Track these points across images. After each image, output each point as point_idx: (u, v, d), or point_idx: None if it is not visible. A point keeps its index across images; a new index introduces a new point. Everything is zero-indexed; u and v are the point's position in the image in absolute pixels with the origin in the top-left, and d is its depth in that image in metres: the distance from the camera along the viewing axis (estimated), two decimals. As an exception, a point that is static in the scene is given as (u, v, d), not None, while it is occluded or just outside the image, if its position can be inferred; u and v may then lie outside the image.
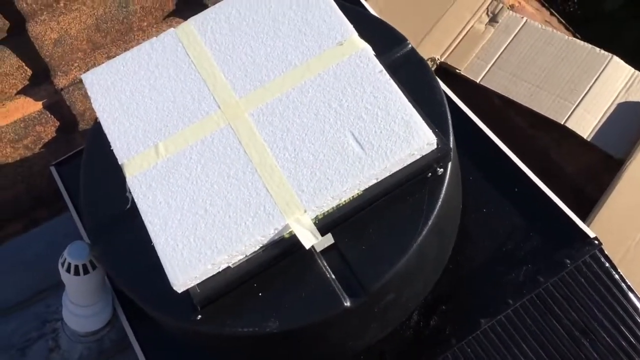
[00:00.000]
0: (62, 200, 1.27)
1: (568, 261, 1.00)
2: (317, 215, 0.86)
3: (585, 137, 1.20)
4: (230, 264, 0.85)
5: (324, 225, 0.86)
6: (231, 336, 0.85)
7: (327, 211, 0.86)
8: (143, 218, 0.88)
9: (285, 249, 0.86)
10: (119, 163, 0.94)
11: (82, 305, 1.09)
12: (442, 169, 0.90)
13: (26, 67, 1.58)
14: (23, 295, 1.25)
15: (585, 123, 1.21)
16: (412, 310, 1.00)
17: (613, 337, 0.96)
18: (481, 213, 1.08)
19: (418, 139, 0.87)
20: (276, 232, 0.84)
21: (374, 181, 0.87)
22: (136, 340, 1.07)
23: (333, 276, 0.87)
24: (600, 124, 1.20)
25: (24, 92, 1.54)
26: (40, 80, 1.57)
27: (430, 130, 0.88)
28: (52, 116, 1.52)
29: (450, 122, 0.95)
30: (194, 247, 0.84)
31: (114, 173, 0.95)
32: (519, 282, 1.01)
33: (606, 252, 1.00)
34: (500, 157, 1.12)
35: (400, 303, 0.94)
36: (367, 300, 0.85)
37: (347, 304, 0.85)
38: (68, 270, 1.01)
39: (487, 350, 0.98)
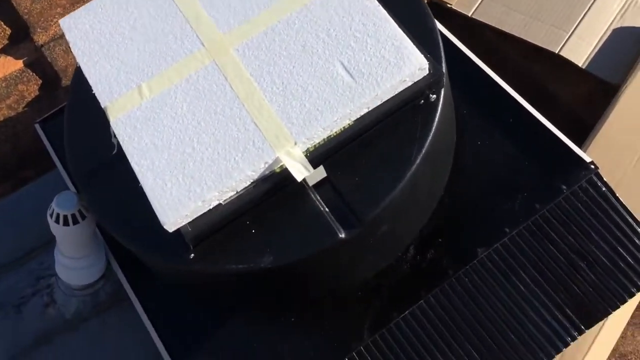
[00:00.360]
0: (49, 158, 1.25)
1: (564, 187, 0.99)
2: (308, 148, 0.84)
3: (580, 64, 1.18)
4: (221, 201, 0.83)
5: (315, 157, 0.84)
6: (226, 274, 0.85)
7: (318, 143, 0.85)
8: (129, 160, 0.86)
9: (276, 183, 0.84)
10: (102, 107, 0.91)
11: (73, 257, 1.08)
12: (434, 95, 0.87)
13: (5, 26, 1.53)
14: (15, 254, 1.24)
15: (580, 50, 1.18)
16: (408, 243, 0.99)
17: (610, 258, 0.96)
18: (476, 145, 1.06)
19: (410, 65, 0.84)
20: (267, 166, 0.82)
21: (365, 110, 0.85)
22: (132, 290, 1.07)
23: (327, 209, 0.85)
24: (595, 50, 1.18)
25: (3, 51, 1.50)
26: (19, 38, 1.53)
27: (422, 55, 0.85)
28: (34, 74, 1.48)
29: (442, 47, 0.92)
30: (183, 185, 0.82)
31: (99, 120, 0.92)
32: (515, 211, 1.00)
33: (603, 177, 0.99)
34: (493, 88, 1.10)
35: (395, 235, 0.93)
36: (361, 231, 0.84)
37: (342, 235, 0.84)
38: (57, 221, 1.00)
39: (484, 279, 0.98)
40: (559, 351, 0.94)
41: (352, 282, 0.98)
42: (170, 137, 0.85)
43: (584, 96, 1.19)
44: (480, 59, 1.11)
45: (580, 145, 1.05)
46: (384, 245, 0.93)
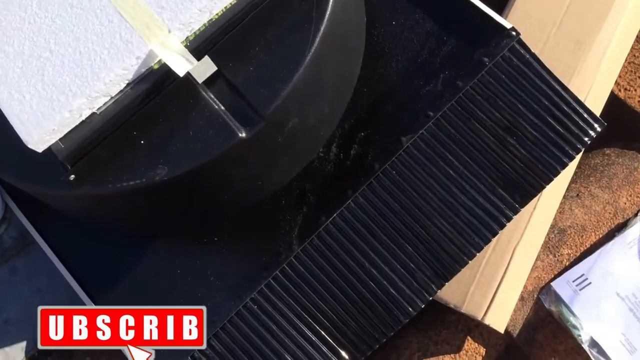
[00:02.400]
0: None
1: (486, 59, 0.91)
2: (187, 37, 0.73)
3: None
4: (94, 110, 0.71)
5: (197, 46, 0.73)
6: (116, 194, 0.74)
7: (199, 29, 0.73)
8: (-21, 77, 0.73)
9: (157, 82, 0.72)
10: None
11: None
12: (327, -37, 0.76)
13: None
14: None
15: None
16: (326, 140, 0.90)
17: (540, 130, 0.90)
18: (391, 26, 0.96)
19: None
20: (140, 62, 0.70)
21: (247, -16, 0.73)
22: (36, 231, 0.95)
23: (222, 107, 0.75)
24: None
25: None
26: None
27: None
28: None
29: None
30: (43, 95, 0.70)
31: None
32: (438, 92, 0.92)
33: (525, 43, 0.91)
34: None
35: (307, 130, 0.84)
36: (264, 127, 0.75)
37: (243, 134, 0.74)
38: None
39: (411, 167, 0.91)
40: (495, 234, 0.88)
41: (270, 190, 0.89)
42: (23, 41, 0.72)
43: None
44: None
45: (500, 13, 0.97)
46: (297, 143, 0.84)
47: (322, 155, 0.95)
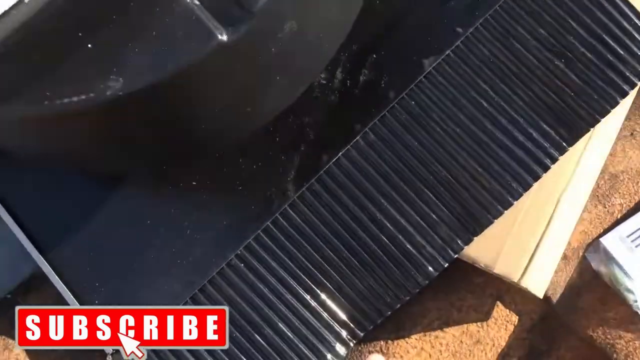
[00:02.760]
0: None
1: (531, -39, 0.74)
2: None
3: None
4: (24, -2, 0.54)
5: None
6: (53, 115, 0.57)
7: None
8: None
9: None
10: None
11: None
12: None
13: None
14: None
15: None
16: (328, 59, 0.73)
17: (595, 50, 0.73)
18: None
19: None
20: None
21: None
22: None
23: (196, 0, 0.57)
24: None
25: None
26: None
27: None
28: None
29: None
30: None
31: None
32: (468, 3, 0.74)
33: (580, -58, 0.74)
34: None
35: (307, 39, 0.67)
36: (252, 28, 0.57)
37: (223, 36, 0.56)
38: None
39: (434, 98, 0.74)
40: (537, 178, 0.72)
41: (260, 120, 0.72)
42: None
43: None
44: None
45: None
46: (294, 56, 0.66)
47: (323, 82, 0.77)
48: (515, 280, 0.73)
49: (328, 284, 0.74)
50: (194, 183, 0.77)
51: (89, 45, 0.56)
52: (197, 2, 0.57)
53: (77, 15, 0.56)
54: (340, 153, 0.74)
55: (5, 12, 0.53)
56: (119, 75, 0.56)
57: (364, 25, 0.76)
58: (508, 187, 0.73)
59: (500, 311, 0.76)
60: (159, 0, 0.57)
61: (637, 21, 0.74)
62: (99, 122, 0.60)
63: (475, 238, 0.73)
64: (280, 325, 0.74)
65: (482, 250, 0.74)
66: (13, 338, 0.79)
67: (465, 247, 0.73)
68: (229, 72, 0.60)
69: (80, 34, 0.57)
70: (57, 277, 0.75)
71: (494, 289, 0.77)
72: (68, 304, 0.77)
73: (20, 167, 0.77)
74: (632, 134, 0.80)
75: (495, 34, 0.75)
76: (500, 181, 0.73)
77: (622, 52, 0.73)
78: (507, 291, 0.77)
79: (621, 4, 0.74)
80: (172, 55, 0.56)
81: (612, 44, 0.74)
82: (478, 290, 0.77)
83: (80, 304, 0.75)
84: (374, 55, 0.76)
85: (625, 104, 0.79)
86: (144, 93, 0.57)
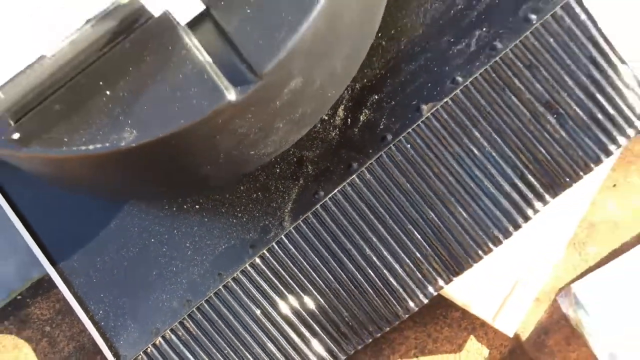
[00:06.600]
0: None
1: (533, 17, 0.75)
2: (167, -37, 0.57)
3: None
4: (45, 53, 0.56)
5: (180, -23, 0.57)
6: (71, 159, 0.60)
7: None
8: None
9: (126, 19, 0.57)
10: None
11: None
12: None
13: None
14: None
15: None
16: (332, 103, 0.76)
17: (585, 108, 0.76)
18: (420, -33, 0.79)
19: None
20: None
21: None
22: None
23: (208, 58, 0.60)
24: None
25: None
26: None
27: None
28: None
29: None
30: (-24, 28, 0.55)
31: None
32: (470, 53, 0.77)
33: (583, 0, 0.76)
34: None
35: (312, 92, 0.70)
36: (260, 88, 0.60)
37: (232, 96, 0.59)
38: None
39: (429, 143, 0.78)
40: (518, 227, 0.77)
41: (261, 160, 0.76)
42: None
43: None
44: None
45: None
46: (298, 108, 0.69)
47: (325, 117, 0.81)
48: (489, 321, 0.78)
49: (315, 309, 0.80)
50: (196, 206, 0.82)
51: (105, 97, 0.59)
52: (209, 60, 0.60)
53: (95, 68, 0.58)
54: (337, 189, 0.78)
55: (30, 65, 0.55)
56: (133, 127, 0.59)
57: (368, 67, 0.79)
58: (490, 235, 0.77)
59: (473, 344, 0.82)
60: (172, 56, 0.59)
61: (631, 82, 0.77)
62: (109, 165, 0.64)
63: (455, 278, 0.78)
64: (269, 345, 0.80)
65: (460, 290, 0.80)
66: (23, 337, 0.85)
67: (445, 286, 0.78)
68: (234, 126, 0.63)
69: (97, 85, 0.59)
70: (65, 286, 0.81)
71: (469, 323, 0.83)
72: (73, 310, 0.83)
73: (40, 190, 0.82)
74: (614, 185, 0.84)
75: (493, 85, 0.78)
76: (484, 228, 0.77)
77: (612, 112, 0.76)
78: (481, 325, 0.83)
79: (618, 65, 0.76)
80: (183, 112, 0.59)
81: (604, 103, 0.76)
82: (454, 324, 0.83)
83: (86, 313, 0.80)
84: (376, 96, 0.79)
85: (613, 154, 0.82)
86: (154, 144, 0.60)
